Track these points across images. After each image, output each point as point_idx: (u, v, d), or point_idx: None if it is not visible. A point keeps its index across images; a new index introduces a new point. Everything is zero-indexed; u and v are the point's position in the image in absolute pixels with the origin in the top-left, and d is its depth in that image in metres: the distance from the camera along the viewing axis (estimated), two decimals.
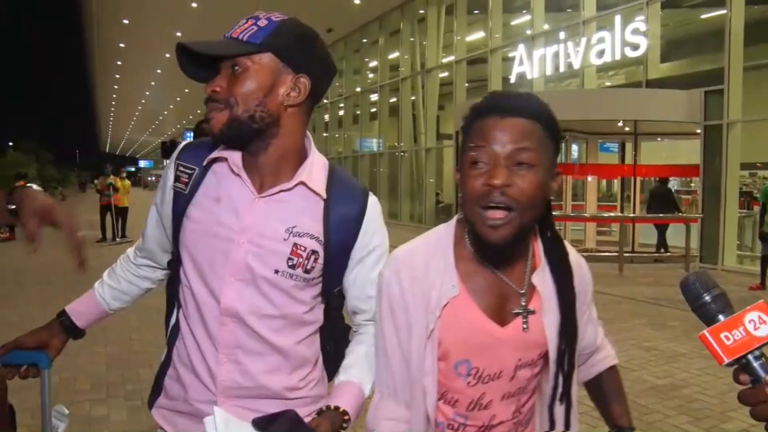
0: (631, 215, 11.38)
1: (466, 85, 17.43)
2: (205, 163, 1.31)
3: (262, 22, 1.22)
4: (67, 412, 1.46)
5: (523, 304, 1.21)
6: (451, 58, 17.63)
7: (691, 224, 10.28)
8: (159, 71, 32.54)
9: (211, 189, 1.30)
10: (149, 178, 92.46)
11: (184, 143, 1.38)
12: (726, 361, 0.89)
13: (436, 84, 18.56)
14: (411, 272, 1.23)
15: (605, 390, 1.42)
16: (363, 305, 1.37)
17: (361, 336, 1.38)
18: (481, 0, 16.34)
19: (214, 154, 1.29)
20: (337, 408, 1.22)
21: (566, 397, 1.25)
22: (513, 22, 16.58)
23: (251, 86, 1.21)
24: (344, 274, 1.35)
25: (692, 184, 13.26)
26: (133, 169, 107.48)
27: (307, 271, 1.28)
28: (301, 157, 1.31)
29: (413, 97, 19.29)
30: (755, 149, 12.37)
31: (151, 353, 4.76)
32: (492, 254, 1.20)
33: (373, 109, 22.72)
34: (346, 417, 1.22)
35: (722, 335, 0.89)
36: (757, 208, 10.57)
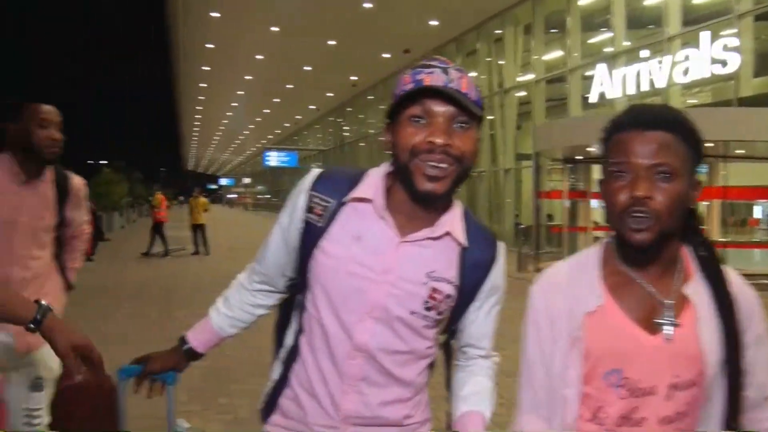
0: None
1: (545, 104, 17.37)
2: (346, 200, 1.35)
3: (475, 87, 1.29)
4: (188, 425, 1.60)
5: (671, 314, 1.21)
6: (529, 77, 17.65)
7: None
8: (241, 93, 33.99)
9: (350, 226, 1.34)
10: (229, 196, 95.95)
11: (318, 172, 1.42)
12: None
13: (514, 104, 18.59)
14: (557, 286, 1.31)
15: None
16: (479, 342, 1.46)
17: (473, 368, 1.47)
18: (559, 18, 16.30)
19: (359, 194, 1.34)
20: None
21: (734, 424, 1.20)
22: (592, 41, 16.43)
23: (474, 148, 1.29)
24: (466, 313, 1.42)
25: None
26: (214, 186, 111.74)
27: (440, 313, 1.36)
28: (447, 204, 1.36)
29: (491, 117, 19.35)
30: None
31: (240, 369, 5.11)
32: (638, 260, 1.23)
33: None
34: None
35: None
36: None
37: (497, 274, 1.41)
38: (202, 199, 15.72)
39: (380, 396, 1.36)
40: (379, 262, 1.31)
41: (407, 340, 1.35)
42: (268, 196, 64.29)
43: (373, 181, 1.35)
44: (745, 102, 11.36)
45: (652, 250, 1.18)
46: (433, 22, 18.95)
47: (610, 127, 1.22)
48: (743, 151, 11.92)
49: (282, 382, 1.45)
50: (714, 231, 12.39)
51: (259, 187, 72.79)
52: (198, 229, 15.48)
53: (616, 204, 1.16)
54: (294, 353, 1.43)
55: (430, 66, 1.26)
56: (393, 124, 1.30)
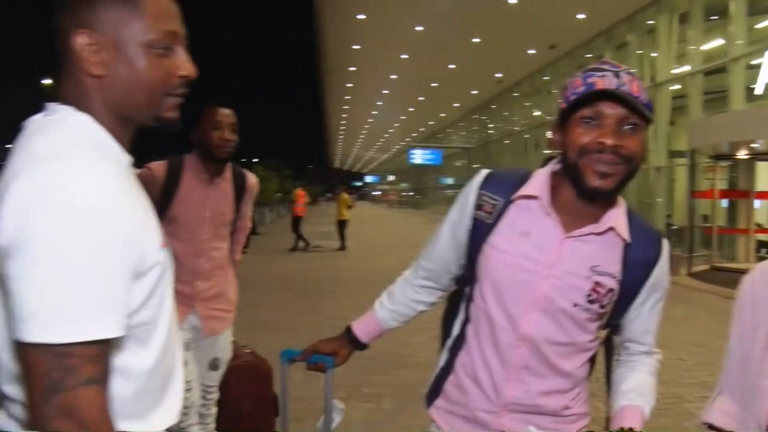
0: None
1: (702, 97, 16.26)
2: (513, 198, 1.43)
3: (645, 91, 1.32)
4: (342, 406, 1.73)
5: None
6: (685, 68, 16.59)
7: None
8: (386, 92, 34.89)
9: (517, 222, 1.42)
10: (374, 193, 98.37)
11: (487, 172, 1.51)
12: None
13: (667, 98, 17.55)
14: (766, 276, 1.35)
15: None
16: (641, 338, 1.51)
17: (634, 364, 1.52)
18: (721, 4, 15.16)
19: (527, 192, 1.41)
20: (630, 430, 1.35)
21: None
22: (759, 25, 15.10)
23: (643, 149, 1.33)
24: (630, 309, 1.47)
25: None
26: (359, 183, 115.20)
27: (602, 307, 1.41)
28: (611, 201, 1.41)
29: None
30: None
31: (385, 361, 5.36)
32: None
33: None
34: None
35: None
36: None
37: (661, 271, 1.45)
38: (345, 196, 16.39)
39: (541, 385, 1.43)
40: (545, 257, 1.38)
41: (570, 332, 1.41)
42: (412, 193, 65.24)
43: (540, 180, 1.42)
44: None
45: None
46: (581, 16, 18.37)
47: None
48: None
49: (447, 369, 1.54)
50: None
51: (403, 185, 73.94)
52: (342, 225, 16.17)
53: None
54: (460, 342, 1.52)
55: (601, 69, 1.31)
56: (563, 124, 1.35)
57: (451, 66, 25.94)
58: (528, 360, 1.41)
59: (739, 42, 14.62)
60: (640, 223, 1.45)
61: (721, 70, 15.21)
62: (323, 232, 16.81)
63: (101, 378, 0.88)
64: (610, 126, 1.28)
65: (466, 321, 1.51)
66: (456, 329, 1.54)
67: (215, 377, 2.81)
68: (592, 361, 1.52)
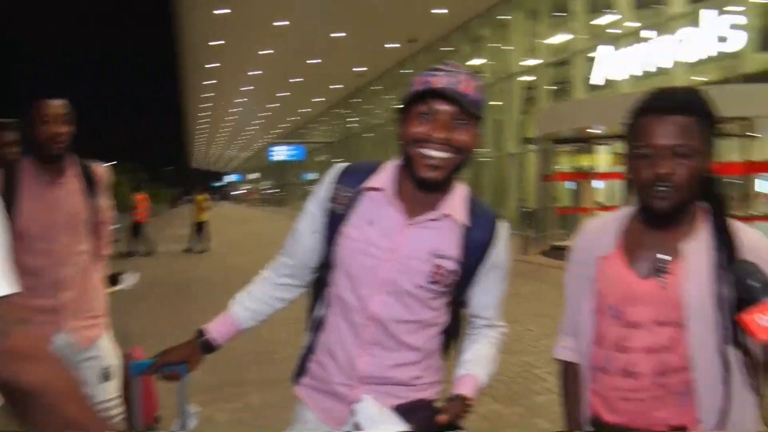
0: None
1: (550, 88, 17.52)
2: (362, 189, 1.54)
3: (477, 90, 1.45)
4: (197, 410, 1.71)
5: (665, 265, 1.40)
6: (534, 61, 17.79)
7: None
8: (248, 88, 34.21)
9: (366, 212, 1.53)
10: (236, 193, 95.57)
11: (342, 166, 1.62)
12: (762, 338, 1.17)
13: (519, 89, 18.70)
14: (586, 236, 1.58)
15: None
16: (484, 312, 1.63)
17: (476, 336, 1.64)
18: (564, 1, 16.38)
19: (374, 183, 1.53)
20: (461, 396, 1.49)
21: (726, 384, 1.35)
22: (596, 22, 16.49)
23: (473, 141, 1.45)
24: (470, 286, 1.59)
25: None
26: (221, 183, 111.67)
27: (444, 287, 1.53)
28: (449, 188, 1.53)
29: (500, 102, 19.42)
30: None
31: (246, 359, 5.23)
32: (657, 222, 1.42)
33: None
34: (468, 402, 1.49)
35: (755, 316, 1.18)
36: None
37: (498, 252, 1.57)
38: (201, 197, 15.95)
39: (391, 359, 1.54)
40: (388, 243, 1.50)
41: (415, 311, 1.53)
42: (275, 190, 64.51)
43: (386, 173, 1.54)
44: (751, 78, 11.38)
45: (670, 215, 1.38)
46: (440, 10, 19.12)
47: (634, 112, 1.41)
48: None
49: (310, 349, 1.64)
50: None
51: (267, 182, 72.83)
52: (200, 226, 15.74)
53: (641, 179, 1.36)
54: (320, 324, 1.62)
55: (439, 69, 1.44)
56: (404, 118, 1.47)
57: (314, 61, 26.00)
58: (378, 337, 1.53)
59: (580, 37, 15.91)
60: (479, 208, 1.57)
61: (565, 62, 16.45)
62: (184, 235, 16.11)
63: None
64: (442, 121, 1.40)
65: (326, 305, 1.61)
66: (317, 313, 1.64)
67: (110, 389, 2.51)
68: (449, 334, 1.64)
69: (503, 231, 1.58)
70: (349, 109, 36.44)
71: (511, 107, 18.82)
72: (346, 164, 1.63)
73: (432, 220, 1.51)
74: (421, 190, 1.49)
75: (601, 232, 1.53)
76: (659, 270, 1.40)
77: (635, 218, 1.48)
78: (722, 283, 1.35)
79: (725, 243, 1.38)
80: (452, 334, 1.65)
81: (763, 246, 1.40)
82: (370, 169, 1.57)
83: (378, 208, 1.53)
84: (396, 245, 1.50)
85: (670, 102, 1.35)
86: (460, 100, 1.40)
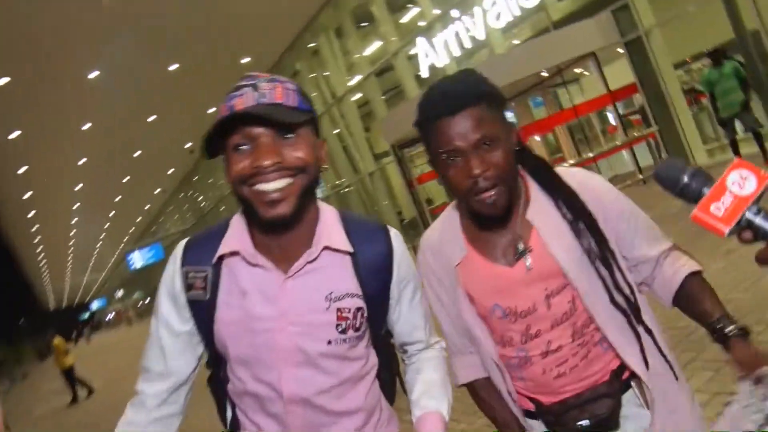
0: (591, 154, 11.46)
1: (383, 97, 17.48)
2: (215, 261, 1.30)
3: (293, 92, 1.26)
4: None
5: (520, 245, 1.37)
6: (358, 77, 17.68)
7: (651, 140, 10.37)
8: (77, 206, 31.83)
9: (233, 284, 1.30)
10: (108, 318, 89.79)
11: (183, 244, 1.36)
12: (726, 230, 0.90)
13: (353, 109, 18.57)
14: (432, 249, 1.49)
15: (690, 294, 1.40)
16: (414, 335, 1.46)
17: (417, 365, 1.48)
18: (365, 10, 16.49)
19: (228, 248, 1.29)
20: None
21: (632, 309, 1.36)
22: (404, 20, 16.76)
23: (312, 151, 1.25)
24: (388, 315, 1.41)
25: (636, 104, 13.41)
26: (87, 315, 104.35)
27: (357, 330, 1.32)
28: (314, 217, 1.32)
29: (340, 129, 19.25)
30: (680, 47, 12.65)
31: None
32: (492, 220, 1.39)
33: None
34: None
35: (712, 208, 0.91)
36: (705, 100, 10.79)
37: (401, 264, 1.38)
38: (58, 341, 14.12)
39: None
40: (273, 309, 1.28)
41: (337, 373, 1.32)
42: (148, 300, 60.97)
43: (236, 230, 1.32)
44: (559, 25, 11.91)
45: (502, 211, 1.34)
46: (245, 60, 18.55)
47: (421, 117, 1.34)
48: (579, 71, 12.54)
49: None
50: (569, 153, 12.94)
51: (136, 295, 68.81)
52: (69, 372, 13.91)
53: (459, 187, 1.31)
54: (235, 426, 1.39)
55: (240, 87, 1.23)
56: (225, 158, 1.23)
57: (137, 153, 24.54)
58: (307, 419, 1.31)
59: (392, 39, 16.03)
60: (360, 226, 1.37)
61: (389, 68, 16.52)
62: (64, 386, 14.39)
63: None
64: (263, 145, 1.18)
65: (234, 405, 1.39)
66: (228, 415, 1.41)
67: None
68: (388, 374, 1.46)
69: (396, 240, 1.39)
70: (193, 189, 35.04)
71: (354, 129, 18.60)
72: (187, 239, 1.38)
73: (310, 261, 1.29)
74: (277, 233, 1.27)
75: (441, 243, 1.47)
76: (521, 252, 1.37)
77: (466, 215, 1.45)
78: (581, 236, 1.34)
79: (561, 197, 1.37)
80: (391, 373, 1.48)
81: (592, 182, 1.41)
82: (218, 233, 1.33)
83: (245, 274, 1.30)
84: (283, 307, 1.28)
85: (453, 99, 1.29)
86: (274, 114, 1.18)
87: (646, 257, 1.43)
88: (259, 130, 1.19)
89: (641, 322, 1.37)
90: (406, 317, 1.43)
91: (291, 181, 1.20)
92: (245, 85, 1.23)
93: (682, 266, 1.41)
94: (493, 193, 1.29)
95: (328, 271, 1.31)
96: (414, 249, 7.74)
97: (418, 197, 14.46)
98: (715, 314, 1.33)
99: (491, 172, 1.28)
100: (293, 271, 1.28)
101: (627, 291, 1.37)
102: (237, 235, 1.31)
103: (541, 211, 1.38)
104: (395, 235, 1.39)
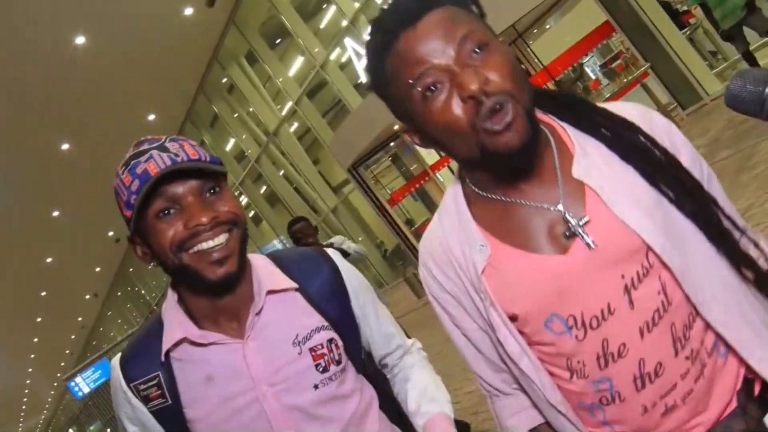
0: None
1: (323, 119, 17.34)
2: (163, 358, 1.35)
3: (198, 148, 1.33)
4: None
5: (569, 217, 1.12)
6: (289, 103, 17.51)
7: (646, 81, 10.31)
8: None
9: (191, 376, 1.35)
10: None
11: (117, 361, 1.40)
12: None
13: (293, 140, 18.39)
14: (435, 258, 1.27)
15: None
16: (390, 345, 1.55)
17: (403, 374, 1.56)
18: (275, 28, 16.39)
19: (168, 344, 1.34)
20: None
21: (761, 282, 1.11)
22: (322, 24, 16.71)
23: (238, 203, 1.33)
24: (361, 335, 1.50)
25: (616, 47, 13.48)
26: None
27: (338, 363, 1.40)
28: (248, 270, 1.39)
29: (281, 171, 18.92)
30: None
31: None
32: (515, 173, 1.14)
33: (251, 213, 22.26)
34: None
35: None
36: (693, 20, 10.78)
37: (350, 279, 1.48)
38: None
39: None
40: (244, 381, 1.34)
41: (336, 415, 1.39)
42: (109, 430, 59.78)
43: (172, 318, 1.37)
44: None
45: (528, 146, 1.07)
46: (151, 117, 18.23)
47: (371, 53, 1.15)
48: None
49: None
50: None
51: (93, 428, 67.37)
52: None
53: (457, 123, 1.06)
54: None
55: (142, 152, 1.27)
56: (140, 234, 1.31)
57: (48, 259, 24.12)
58: None
59: (315, 49, 15.93)
60: (294, 260, 1.47)
61: (321, 84, 16.41)
62: None
63: None
64: (193, 203, 1.27)
65: None
66: None
67: None
68: (393, 404, 1.55)
69: (336, 257, 1.50)
70: (129, 284, 34.92)
71: (301, 164, 18.41)
72: (117, 357, 1.43)
73: (258, 313, 1.37)
74: (222, 296, 1.33)
75: (448, 246, 1.24)
76: (576, 227, 1.10)
77: (475, 194, 1.21)
78: (662, 185, 1.11)
79: (619, 137, 1.14)
80: (392, 400, 1.57)
81: (655, 118, 1.19)
82: (152, 332, 1.39)
83: (201, 358, 1.35)
84: (254, 373, 1.34)
85: (409, 3, 1.08)
86: (201, 167, 1.28)
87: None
88: (184, 191, 1.26)
89: None
90: (377, 330, 1.52)
91: (228, 236, 1.29)
92: (148, 149, 1.27)
93: None
94: (508, 111, 1.03)
95: (282, 314, 1.39)
96: (407, 281, 7.46)
97: (394, 220, 14.26)
98: None
99: (495, 84, 1.03)
100: (248, 331, 1.36)
101: (753, 253, 1.11)
102: (176, 324, 1.36)
103: (592, 164, 1.13)
104: (333, 253, 1.50)
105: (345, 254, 4.02)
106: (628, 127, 1.14)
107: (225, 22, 16.18)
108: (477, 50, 1.05)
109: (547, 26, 13.68)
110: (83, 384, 33.41)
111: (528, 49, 12.51)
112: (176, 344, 1.36)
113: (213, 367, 1.36)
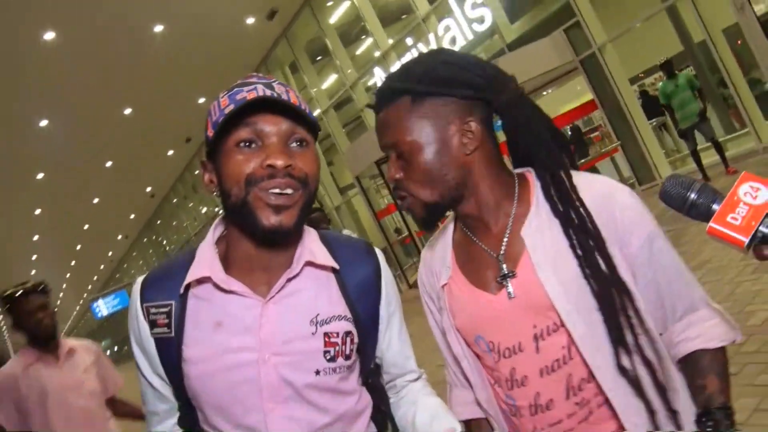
0: None
1: (344, 129, 17.37)
2: (182, 290, 1.16)
3: (302, 100, 1.17)
4: None
5: (503, 267, 1.17)
6: (318, 111, 17.58)
7: (615, 156, 10.38)
8: (35, 257, 30.82)
9: (203, 316, 1.16)
10: None
11: (141, 280, 1.22)
12: (746, 240, 0.87)
13: (316, 144, 18.37)
14: (425, 264, 1.35)
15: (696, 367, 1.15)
16: (405, 367, 1.33)
17: (409, 397, 1.33)
18: (319, 44, 16.44)
19: (193, 277, 1.16)
20: None
21: (648, 369, 1.08)
22: (359, 51, 16.74)
23: (317, 168, 1.18)
24: (378, 343, 1.28)
25: (595, 122, 13.52)
26: None
27: (347, 357, 1.19)
28: (297, 238, 1.21)
29: None
30: (632, 62, 12.82)
31: None
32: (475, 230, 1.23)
33: None
34: None
35: (728, 218, 0.89)
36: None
37: (387, 284, 1.28)
38: None
39: None
40: (252, 339, 1.13)
41: (329, 407, 1.17)
42: (116, 348, 59.27)
43: (204, 254, 1.19)
44: (513, 47, 11.97)
45: (430, 221, 1.20)
46: (202, 100, 18.31)
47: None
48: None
49: None
50: None
51: (104, 344, 66.95)
52: None
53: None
54: None
55: (249, 83, 1.11)
56: (214, 160, 1.14)
57: (95, 200, 23.93)
58: None
59: (349, 71, 15.98)
60: (342, 244, 1.27)
61: (347, 100, 16.45)
62: None
63: None
64: (276, 144, 1.09)
65: None
66: None
67: None
68: (383, 419, 1.29)
69: (382, 258, 1.29)
70: (157, 233, 34.29)
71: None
72: (143, 276, 1.23)
73: (291, 278, 1.17)
74: (265, 249, 1.16)
75: (433, 258, 1.33)
76: (503, 276, 1.16)
77: (458, 226, 1.29)
78: (585, 264, 1.10)
79: (568, 216, 1.13)
80: (383, 414, 1.29)
81: (620, 195, 1.16)
82: (182, 263, 1.19)
83: (218, 303, 1.15)
84: (264, 335, 1.13)
85: (378, 93, 1.21)
86: (296, 110, 1.10)
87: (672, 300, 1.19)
88: (273, 128, 1.09)
89: (667, 403, 1.08)
90: (397, 346, 1.31)
91: (298, 191, 1.11)
92: (256, 82, 1.11)
93: (694, 337, 1.15)
94: (404, 203, 1.20)
95: (312, 291, 1.19)
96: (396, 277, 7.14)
97: (387, 228, 14.32)
98: (714, 398, 1.10)
99: (403, 182, 1.19)
100: (273, 292, 1.15)
101: (649, 353, 1.09)
102: (206, 262, 1.17)
103: (541, 224, 1.15)
104: (380, 254, 1.30)
105: None
106: (577, 210, 1.14)
107: (278, 35, 16.27)
108: (400, 155, 1.20)
109: (544, 93, 13.73)
110: (103, 307, 33.45)
111: None
112: (200, 282, 1.17)
113: (226, 315, 1.15)
